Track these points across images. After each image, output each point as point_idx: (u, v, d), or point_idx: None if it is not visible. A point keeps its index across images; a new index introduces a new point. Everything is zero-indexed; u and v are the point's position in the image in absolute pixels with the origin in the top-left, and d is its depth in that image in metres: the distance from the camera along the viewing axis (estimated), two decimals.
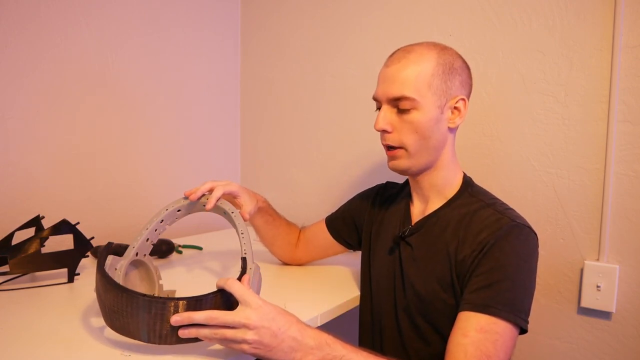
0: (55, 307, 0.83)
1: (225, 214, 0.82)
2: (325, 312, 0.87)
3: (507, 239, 0.75)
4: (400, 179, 1.02)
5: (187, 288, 0.88)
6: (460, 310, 0.74)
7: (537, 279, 0.80)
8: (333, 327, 0.84)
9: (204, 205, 0.84)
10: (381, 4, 1.33)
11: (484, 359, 0.68)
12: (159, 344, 0.64)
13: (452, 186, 0.87)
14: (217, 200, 0.84)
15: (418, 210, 0.90)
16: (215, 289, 0.67)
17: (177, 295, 0.85)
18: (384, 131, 0.84)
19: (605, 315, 1.04)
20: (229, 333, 0.63)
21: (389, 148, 0.85)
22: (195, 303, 0.64)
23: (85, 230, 0.99)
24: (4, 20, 1.05)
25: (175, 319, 0.63)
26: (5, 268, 0.90)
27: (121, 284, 0.73)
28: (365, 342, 0.95)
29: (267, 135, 1.62)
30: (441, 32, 1.23)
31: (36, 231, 0.94)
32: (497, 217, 0.78)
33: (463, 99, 0.83)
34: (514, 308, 0.72)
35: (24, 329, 0.73)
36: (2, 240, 0.92)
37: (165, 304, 0.63)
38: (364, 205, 1.03)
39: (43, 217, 0.96)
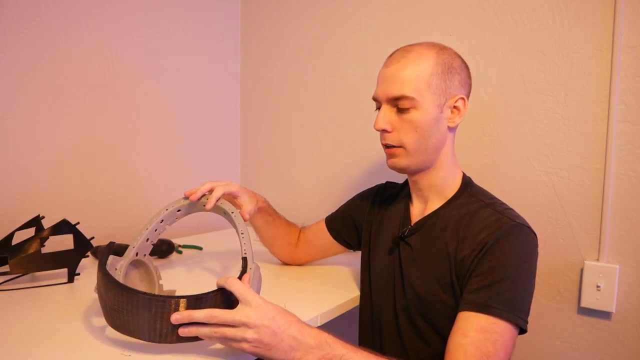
0: (55, 307, 0.83)
1: (225, 214, 0.82)
2: (325, 312, 0.87)
3: (506, 238, 0.75)
4: (399, 179, 1.02)
5: (187, 288, 0.88)
6: (460, 310, 0.74)
7: (537, 279, 0.80)
8: (333, 327, 0.84)
9: (204, 205, 0.84)
10: (381, 4, 1.33)
11: (484, 359, 0.68)
12: (160, 342, 0.64)
13: (452, 186, 0.87)
14: (217, 201, 0.84)
15: (417, 211, 0.91)
16: (215, 288, 0.67)
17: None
18: (383, 131, 0.84)
19: (605, 315, 1.04)
20: (228, 332, 0.63)
21: (388, 146, 0.86)
22: (196, 301, 0.64)
23: (85, 230, 0.99)
24: (4, 20, 1.05)
25: (176, 317, 0.63)
26: (5, 268, 0.90)
27: None
28: (365, 342, 0.95)
29: (267, 135, 1.62)
30: (441, 32, 1.23)
31: (36, 231, 0.94)
32: (497, 217, 0.78)
33: (462, 98, 0.84)
34: (513, 308, 0.72)
35: (24, 329, 0.73)
36: (2, 240, 0.92)
37: (165, 302, 0.63)
38: (364, 205, 1.03)
39: (43, 217, 0.96)
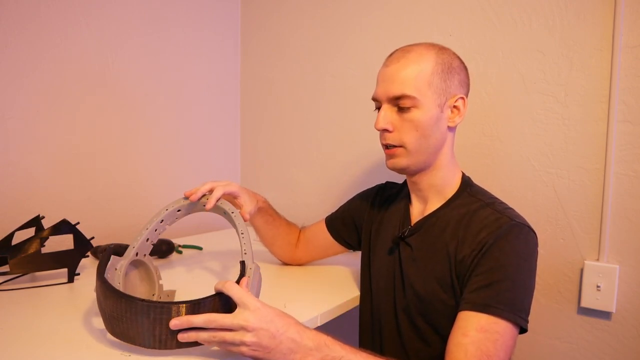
0: (55, 307, 0.83)
1: (225, 214, 0.82)
2: (325, 312, 0.87)
3: (506, 238, 0.75)
4: (399, 179, 1.02)
5: (187, 288, 0.88)
6: (460, 310, 0.74)
7: (537, 279, 0.80)
8: (333, 327, 0.84)
9: (204, 206, 0.84)
10: (381, 4, 1.33)
11: (484, 358, 0.68)
12: (160, 348, 0.64)
13: (451, 186, 0.87)
14: (217, 201, 0.84)
15: (417, 211, 0.91)
16: (213, 292, 0.67)
17: (177, 295, 0.85)
18: (384, 130, 0.84)
19: (605, 315, 1.04)
20: (227, 336, 0.63)
21: (388, 147, 0.86)
22: (194, 306, 0.64)
23: (85, 230, 0.99)
24: (4, 20, 1.05)
25: (174, 323, 0.63)
26: (5, 268, 0.90)
27: (121, 284, 0.73)
28: (365, 342, 0.95)
29: (267, 135, 1.62)
30: (441, 32, 1.23)
31: (36, 231, 0.94)
32: (497, 217, 0.78)
33: (462, 98, 0.84)
34: (514, 307, 0.72)
35: (24, 329, 0.73)
36: (2, 240, 0.92)
37: (164, 308, 0.63)
38: (364, 205, 1.03)
39: (43, 217, 0.96)
